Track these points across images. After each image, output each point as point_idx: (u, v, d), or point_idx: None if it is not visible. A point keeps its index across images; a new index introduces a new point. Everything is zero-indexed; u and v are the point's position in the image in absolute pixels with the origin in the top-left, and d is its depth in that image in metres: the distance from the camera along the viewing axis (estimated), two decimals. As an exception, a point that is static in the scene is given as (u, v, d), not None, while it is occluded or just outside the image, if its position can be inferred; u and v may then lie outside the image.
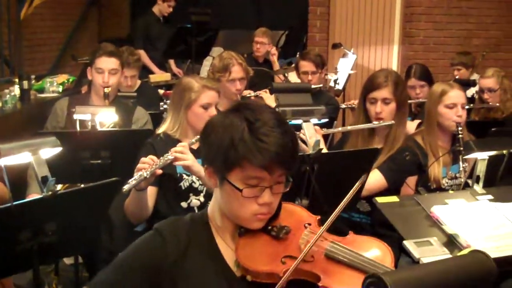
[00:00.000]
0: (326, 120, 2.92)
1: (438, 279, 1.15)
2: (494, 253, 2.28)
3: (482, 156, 2.72)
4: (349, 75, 5.60)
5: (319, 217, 1.76)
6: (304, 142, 2.78)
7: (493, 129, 3.21)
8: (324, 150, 3.04)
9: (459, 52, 5.97)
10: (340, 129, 3.25)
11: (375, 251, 1.70)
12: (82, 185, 2.71)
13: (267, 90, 3.85)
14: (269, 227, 1.66)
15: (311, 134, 2.75)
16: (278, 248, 1.63)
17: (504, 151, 2.79)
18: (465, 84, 5.03)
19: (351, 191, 1.68)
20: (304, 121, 2.74)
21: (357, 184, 1.73)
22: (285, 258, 1.61)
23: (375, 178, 3.04)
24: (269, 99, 3.89)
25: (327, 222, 1.63)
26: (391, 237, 2.64)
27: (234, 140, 1.52)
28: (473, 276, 1.19)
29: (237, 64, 3.82)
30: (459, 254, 2.23)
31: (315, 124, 2.85)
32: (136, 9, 8.03)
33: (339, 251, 1.65)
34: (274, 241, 1.65)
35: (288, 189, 1.62)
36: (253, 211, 1.59)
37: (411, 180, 3.19)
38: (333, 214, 1.65)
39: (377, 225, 3.10)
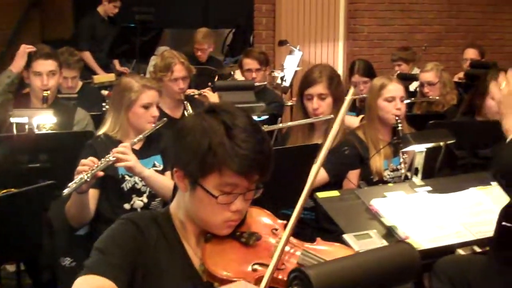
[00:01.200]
0: (266, 117, 2.93)
1: (361, 270, 1.16)
2: (431, 243, 2.34)
3: (419, 149, 2.78)
4: (296, 71, 5.64)
5: (285, 222, 1.70)
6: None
7: (430, 121, 3.28)
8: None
9: (398, 48, 6.08)
10: (281, 125, 3.27)
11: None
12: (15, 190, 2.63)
13: (210, 89, 3.84)
14: (237, 233, 1.61)
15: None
16: (248, 255, 1.59)
17: (441, 143, 2.86)
18: (408, 78, 5.13)
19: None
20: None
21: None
22: (256, 265, 1.56)
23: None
24: (213, 98, 3.89)
25: (289, 225, 1.54)
26: (336, 231, 2.66)
27: (212, 145, 1.48)
28: (398, 266, 1.21)
29: (179, 63, 3.80)
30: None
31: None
32: (80, 10, 7.89)
33: (311, 259, 1.60)
34: (244, 247, 1.60)
35: (258, 195, 1.59)
36: (224, 218, 1.55)
37: (353, 174, 3.23)
38: (294, 216, 1.57)
39: (322, 220, 3.12)
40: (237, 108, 1.59)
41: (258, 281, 1.51)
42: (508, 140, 1.77)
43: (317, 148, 2.81)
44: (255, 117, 2.84)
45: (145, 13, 5.81)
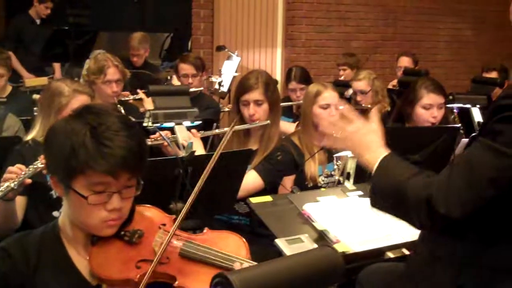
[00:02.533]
0: (200, 122, 2.92)
1: (286, 274, 1.16)
2: (361, 246, 2.37)
3: (350, 154, 2.82)
4: (234, 77, 5.64)
5: (174, 216, 1.74)
6: (177, 145, 2.76)
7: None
8: (202, 153, 3.04)
9: (344, 53, 6.18)
10: (217, 131, 3.25)
11: (229, 245, 1.72)
12: None
13: (140, 92, 3.80)
14: (122, 233, 1.61)
15: (184, 136, 2.73)
16: (132, 253, 1.60)
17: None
18: (344, 85, 5.22)
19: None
20: (176, 124, 2.72)
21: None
22: (140, 262, 1.58)
23: (251, 179, 3.07)
24: (147, 102, 3.85)
25: (177, 220, 1.62)
26: (270, 236, 2.67)
27: (74, 147, 1.47)
28: (321, 270, 1.22)
29: (112, 65, 3.75)
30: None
31: (189, 127, 2.84)
32: (11, 11, 7.67)
33: (194, 249, 1.64)
34: (128, 246, 1.61)
35: (139, 192, 1.58)
36: (102, 218, 1.54)
37: (287, 180, 3.25)
38: (183, 210, 1.64)
39: (256, 225, 3.13)
40: (106, 109, 1.59)
41: (142, 277, 1.54)
42: (376, 165, 1.79)
43: (250, 153, 2.81)
44: (188, 123, 2.84)
45: (79, 15, 5.71)
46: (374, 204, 1.82)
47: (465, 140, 3.41)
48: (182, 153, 2.62)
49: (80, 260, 1.60)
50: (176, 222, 1.61)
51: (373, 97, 4.85)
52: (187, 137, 2.74)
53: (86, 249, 1.61)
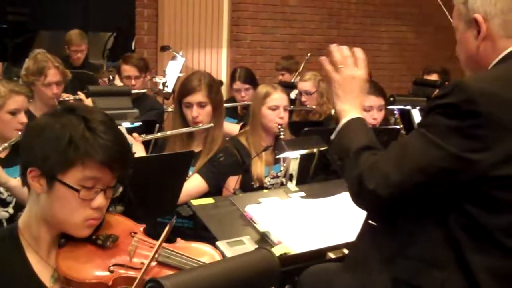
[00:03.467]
0: (140, 123, 2.87)
1: (220, 277, 1.15)
2: (303, 247, 2.37)
3: (294, 155, 2.83)
4: (178, 77, 5.58)
5: (144, 225, 1.76)
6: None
7: (305, 129, 3.36)
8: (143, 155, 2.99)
9: (282, 57, 6.17)
10: (159, 134, 3.19)
11: (204, 254, 1.74)
12: None
13: (80, 93, 3.72)
14: (94, 237, 1.61)
15: (123, 138, 2.67)
16: (105, 257, 1.60)
17: (315, 150, 2.93)
18: (288, 86, 5.23)
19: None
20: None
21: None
22: (114, 266, 1.58)
23: (195, 182, 3.03)
24: (87, 103, 3.75)
25: (165, 231, 1.63)
26: (213, 239, 2.65)
27: (74, 138, 1.50)
28: (257, 272, 1.21)
29: (53, 67, 3.65)
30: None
31: (129, 128, 2.79)
32: None
33: (172, 256, 1.65)
34: (100, 250, 1.61)
35: (118, 194, 1.63)
36: (85, 216, 1.55)
37: (233, 181, 3.22)
38: (168, 227, 1.65)
39: (200, 228, 3.10)
40: (91, 107, 1.64)
41: (116, 281, 1.54)
42: (343, 122, 1.86)
43: (192, 155, 2.78)
44: (128, 124, 2.79)
45: (18, 13, 5.55)
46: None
47: (405, 141, 3.46)
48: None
49: (41, 265, 1.57)
50: (164, 233, 1.62)
51: (318, 99, 4.88)
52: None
53: (49, 252, 1.59)
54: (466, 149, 1.54)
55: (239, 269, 1.17)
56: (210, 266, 1.20)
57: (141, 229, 1.73)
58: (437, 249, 1.64)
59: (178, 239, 1.75)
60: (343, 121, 1.85)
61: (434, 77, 5.63)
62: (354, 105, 1.89)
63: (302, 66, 5.96)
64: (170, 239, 1.73)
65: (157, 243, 1.60)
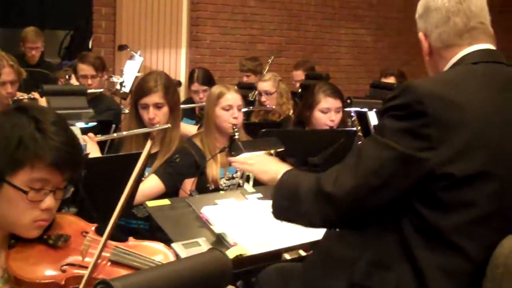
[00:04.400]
0: (94, 123, 2.82)
1: (172, 279, 1.14)
2: (259, 248, 2.37)
3: (251, 156, 2.82)
4: (136, 77, 5.52)
5: (95, 225, 1.75)
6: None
7: (262, 130, 3.36)
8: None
9: (247, 58, 6.14)
10: (115, 135, 3.14)
11: (157, 252, 1.74)
12: None
13: (34, 93, 3.65)
14: (45, 237, 1.60)
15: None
16: (57, 257, 1.59)
17: (272, 151, 2.93)
18: (247, 87, 5.23)
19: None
20: (70, 125, 2.61)
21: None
22: (66, 266, 1.57)
23: (152, 183, 3.00)
24: (42, 103, 3.68)
25: (108, 227, 1.60)
26: (169, 241, 2.62)
27: (23, 139, 1.49)
28: (210, 273, 1.20)
29: (7, 65, 3.58)
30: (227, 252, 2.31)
31: (84, 128, 2.74)
32: None
33: (125, 254, 1.64)
34: (51, 250, 1.60)
35: (68, 195, 1.62)
36: (34, 217, 1.53)
37: (189, 183, 3.20)
38: (112, 219, 1.62)
39: (155, 230, 3.07)
40: (43, 106, 1.67)
41: (68, 281, 1.54)
42: (277, 182, 1.94)
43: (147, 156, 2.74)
44: (82, 124, 2.74)
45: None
46: (277, 217, 1.95)
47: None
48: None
49: None
50: (108, 230, 1.59)
51: (278, 99, 4.91)
52: (80, 139, 2.64)
53: None
54: (415, 148, 1.59)
55: (191, 270, 1.16)
56: (162, 267, 1.18)
57: (93, 228, 1.71)
58: (390, 251, 1.67)
59: (130, 238, 1.74)
60: (277, 180, 1.92)
61: (391, 80, 5.71)
62: (274, 169, 1.98)
63: (267, 68, 5.96)
64: (122, 239, 1.71)
65: (102, 239, 1.59)
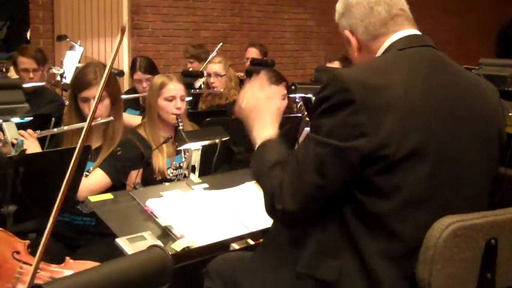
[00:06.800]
0: (31, 118, 2.72)
1: (109, 280, 1.09)
2: (206, 240, 2.34)
3: (195, 146, 2.78)
4: (77, 68, 5.39)
5: (28, 242, 1.62)
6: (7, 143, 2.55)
7: (206, 119, 3.32)
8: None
9: (192, 45, 6.08)
10: (55, 130, 3.03)
11: None
12: None
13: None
14: None
15: (13, 134, 2.53)
16: None
17: (217, 140, 2.90)
18: (193, 75, 5.17)
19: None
20: (4, 121, 2.51)
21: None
22: None
23: (97, 178, 2.92)
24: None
25: (37, 255, 1.46)
26: (114, 235, 2.55)
27: None
28: (150, 271, 1.17)
29: None
30: (172, 246, 2.27)
31: (20, 123, 2.64)
32: None
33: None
34: None
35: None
36: None
37: (135, 175, 3.13)
38: (42, 242, 1.51)
39: (102, 225, 2.99)
40: None
41: None
42: (256, 149, 1.88)
43: (88, 149, 2.67)
44: (17, 119, 2.64)
45: None
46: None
47: (307, 129, 3.51)
48: (12, 152, 2.43)
49: None
50: (36, 261, 1.45)
51: (227, 82, 4.88)
52: (17, 135, 2.54)
53: None
54: (349, 138, 1.60)
55: (130, 270, 1.12)
56: (99, 268, 1.13)
57: (26, 246, 1.60)
58: (333, 240, 1.69)
59: (67, 259, 1.64)
60: (256, 146, 1.87)
61: (336, 64, 5.73)
62: (263, 127, 1.88)
63: (213, 55, 5.89)
64: (58, 259, 1.61)
65: (30, 270, 1.46)
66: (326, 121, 1.65)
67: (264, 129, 1.87)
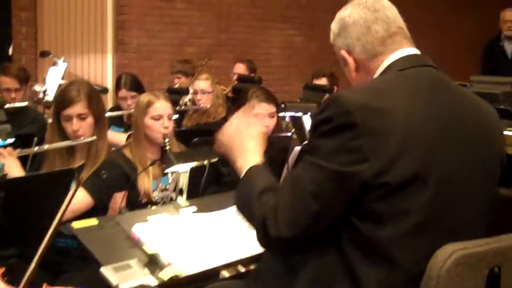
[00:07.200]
0: (12, 140, 2.63)
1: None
2: (195, 268, 2.24)
3: (183, 169, 2.70)
4: (60, 85, 5.28)
5: (3, 269, 1.60)
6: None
7: (194, 140, 3.23)
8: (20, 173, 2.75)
9: (179, 60, 6.00)
10: (36, 149, 2.94)
11: None
12: None
13: None
14: None
15: (-8, 157, 2.43)
16: None
17: (205, 162, 2.81)
18: (179, 92, 5.09)
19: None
20: (-17, 143, 2.42)
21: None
22: None
23: (79, 197, 2.81)
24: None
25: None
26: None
27: None
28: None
29: None
30: (159, 275, 2.17)
31: (1, 146, 2.54)
32: None
33: None
34: None
35: None
36: None
37: (119, 197, 3.03)
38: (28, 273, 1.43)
39: (85, 249, 2.89)
40: None
41: None
42: (241, 178, 1.81)
43: (72, 173, 2.57)
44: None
45: None
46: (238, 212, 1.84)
47: (298, 148, 3.43)
48: (-7, 177, 2.33)
49: None
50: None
51: (214, 100, 4.81)
52: (-3, 157, 2.44)
53: None
54: (349, 163, 1.55)
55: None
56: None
57: (0, 274, 1.52)
58: (330, 268, 1.63)
59: (44, 285, 1.56)
60: (241, 175, 1.80)
61: (323, 81, 5.70)
62: (247, 156, 1.82)
63: (200, 70, 5.83)
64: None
65: None
66: (325, 143, 1.59)
67: (249, 157, 1.80)
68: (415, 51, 1.78)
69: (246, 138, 1.85)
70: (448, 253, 1.56)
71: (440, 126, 1.64)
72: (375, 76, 1.76)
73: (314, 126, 1.66)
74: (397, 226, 1.57)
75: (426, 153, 1.59)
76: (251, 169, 1.77)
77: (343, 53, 1.80)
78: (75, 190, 1.48)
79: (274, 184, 1.73)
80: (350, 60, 1.79)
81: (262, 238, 1.65)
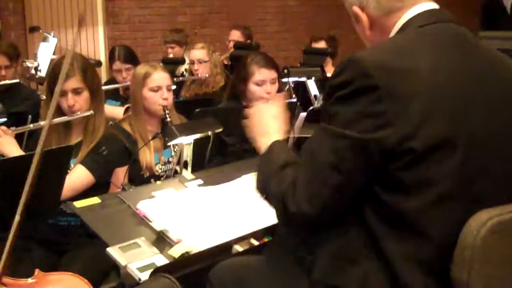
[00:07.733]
0: (5, 119, 2.50)
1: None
2: (206, 244, 2.14)
3: (187, 141, 2.58)
4: (52, 60, 5.13)
5: None
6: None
7: (196, 110, 3.10)
8: (18, 153, 2.63)
9: (172, 29, 5.88)
10: (32, 126, 2.82)
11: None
12: None
13: None
14: None
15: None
16: None
17: (209, 132, 2.70)
18: (175, 62, 4.97)
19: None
20: (-26, 123, 2.29)
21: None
22: None
23: (79, 175, 2.70)
24: None
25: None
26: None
27: None
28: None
29: None
30: (169, 252, 2.06)
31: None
32: None
33: None
34: None
35: None
36: None
37: (121, 172, 2.90)
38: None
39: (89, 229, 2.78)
40: None
41: None
42: (261, 155, 1.76)
43: (70, 150, 2.45)
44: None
45: None
46: (258, 191, 1.73)
47: (303, 114, 3.31)
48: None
49: None
50: None
51: (212, 69, 4.68)
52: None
53: None
54: (371, 129, 1.44)
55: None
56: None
57: None
58: (353, 244, 1.53)
59: (36, 271, 1.47)
60: (263, 152, 1.75)
61: (322, 44, 5.59)
62: (269, 134, 1.80)
63: (192, 39, 5.69)
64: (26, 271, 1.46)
65: None
66: (344, 109, 1.47)
67: (270, 136, 1.76)
68: (434, 5, 1.64)
69: (269, 123, 1.83)
70: (483, 221, 1.45)
71: (466, 85, 1.51)
72: (392, 34, 1.63)
73: (329, 91, 1.53)
74: (424, 196, 1.45)
75: (453, 115, 1.47)
76: (271, 145, 1.71)
77: (356, 9, 1.66)
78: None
79: (294, 159, 1.63)
80: (363, 16, 1.65)
81: (282, 215, 1.56)
